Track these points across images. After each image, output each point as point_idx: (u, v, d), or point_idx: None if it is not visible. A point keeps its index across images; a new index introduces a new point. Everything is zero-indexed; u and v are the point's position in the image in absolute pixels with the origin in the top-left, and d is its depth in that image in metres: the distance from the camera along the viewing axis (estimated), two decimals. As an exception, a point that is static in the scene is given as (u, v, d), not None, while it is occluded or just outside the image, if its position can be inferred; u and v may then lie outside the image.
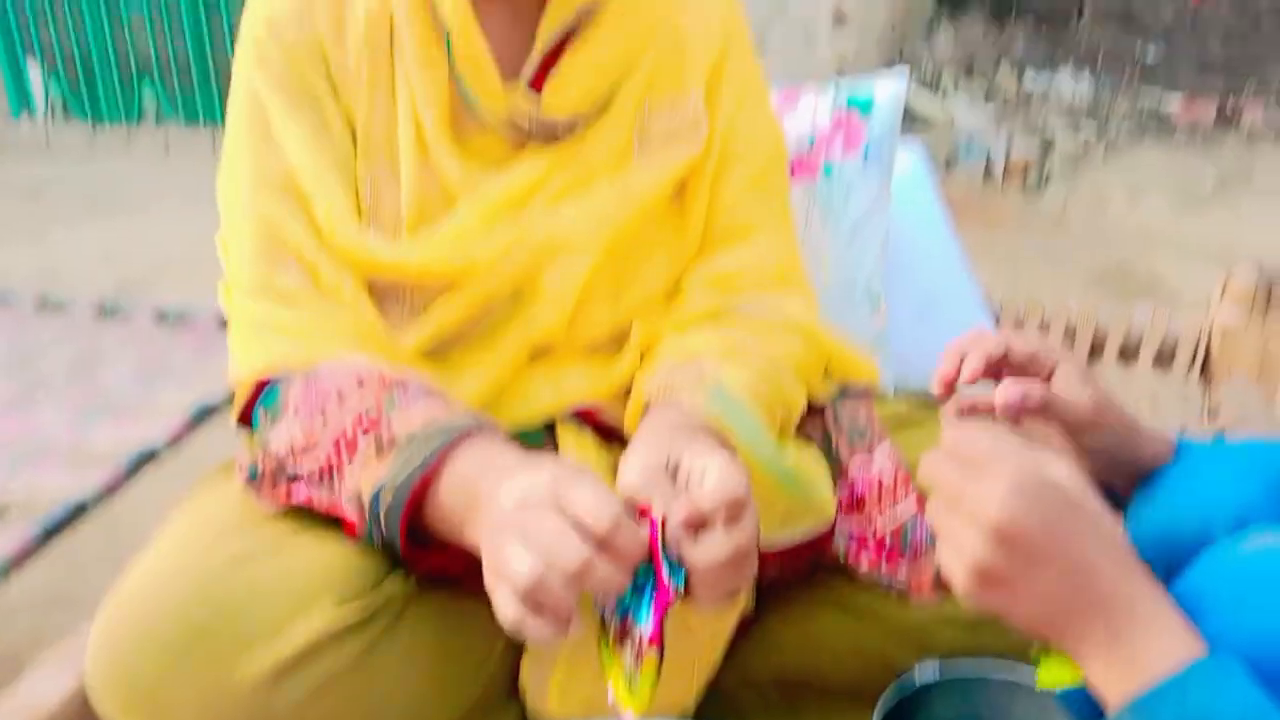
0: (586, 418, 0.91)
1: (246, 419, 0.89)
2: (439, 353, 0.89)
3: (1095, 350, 1.58)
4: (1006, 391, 0.73)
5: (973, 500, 0.56)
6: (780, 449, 0.78)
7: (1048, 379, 0.77)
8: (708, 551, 0.62)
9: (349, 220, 0.85)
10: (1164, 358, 1.54)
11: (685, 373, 0.84)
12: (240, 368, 0.87)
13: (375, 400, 0.75)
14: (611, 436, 0.91)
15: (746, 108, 0.94)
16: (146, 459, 1.18)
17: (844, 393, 0.99)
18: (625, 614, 0.64)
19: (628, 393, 0.90)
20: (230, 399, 1.34)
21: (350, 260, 0.85)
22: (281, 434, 0.80)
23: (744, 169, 0.94)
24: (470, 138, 0.87)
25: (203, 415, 1.30)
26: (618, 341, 0.93)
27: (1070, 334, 1.61)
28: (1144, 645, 0.54)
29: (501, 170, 0.87)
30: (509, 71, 0.87)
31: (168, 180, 4.80)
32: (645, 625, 0.63)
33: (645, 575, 0.63)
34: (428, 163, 0.86)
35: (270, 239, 0.86)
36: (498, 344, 0.89)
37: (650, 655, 0.63)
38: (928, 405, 0.99)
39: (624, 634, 0.65)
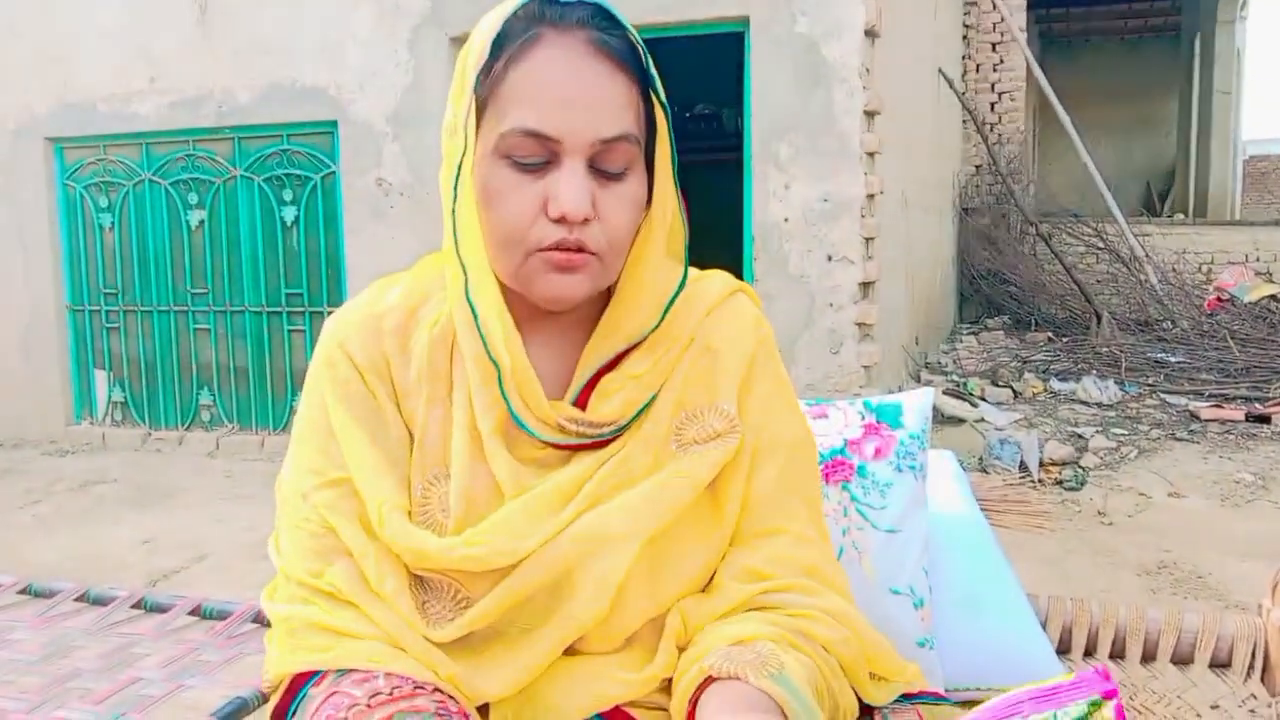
0: (620, 717, 0.90)
1: (282, 718, 0.89)
2: (471, 644, 0.89)
3: (1147, 655, 1.52)
4: None
5: None
6: None
7: None
8: None
9: (400, 516, 0.89)
10: (1219, 660, 1.48)
11: (745, 653, 0.84)
12: (278, 667, 0.89)
13: None
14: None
15: (773, 407, 0.99)
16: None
17: (903, 698, 0.97)
18: None
19: (663, 688, 0.90)
20: (261, 699, 1.31)
21: (400, 553, 0.89)
22: None
23: (773, 466, 0.97)
24: (522, 445, 0.93)
25: (232, 714, 1.27)
26: (653, 634, 0.93)
27: (1120, 639, 1.56)
28: None
29: (548, 474, 0.92)
30: (555, 390, 0.94)
31: (213, 480, 4.94)
32: None
33: None
34: (480, 464, 0.91)
35: (323, 536, 0.91)
36: (533, 638, 0.89)
37: None
38: (967, 708, 0.96)
39: None
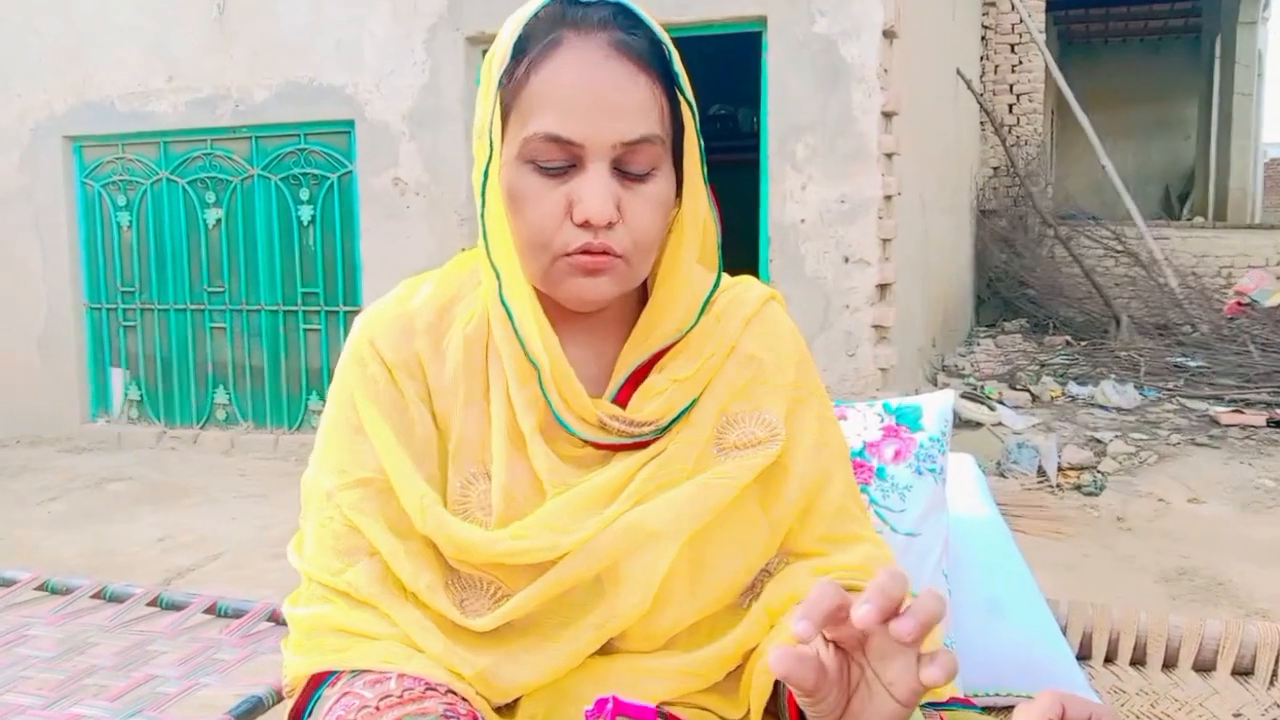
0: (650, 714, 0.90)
1: (298, 717, 0.90)
2: (506, 635, 0.89)
3: (1169, 662, 1.50)
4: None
5: None
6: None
7: None
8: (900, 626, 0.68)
9: (440, 508, 0.89)
10: (1242, 668, 1.46)
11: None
12: (295, 669, 0.89)
13: None
14: None
15: (826, 418, 1.01)
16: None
17: (928, 704, 0.96)
18: None
19: (710, 688, 0.91)
20: (277, 697, 1.31)
21: (442, 544, 0.89)
22: None
23: (840, 478, 0.99)
24: (562, 444, 0.93)
25: (247, 712, 1.26)
26: (692, 639, 0.94)
27: (1141, 645, 1.54)
28: None
29: (589, 473, 0.92)
30: (593, 390, 0.94)
31: (228, 478, 4.95)
32: None
33: None
34: (522, 459, 0.91)
35: (348, 534, 0.91)
36: (571, 631, 0.90)
37: None
38: (990, 715, 0.97)
39: None
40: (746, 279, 1.04)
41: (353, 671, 0.85)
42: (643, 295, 0.97)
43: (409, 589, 0.89)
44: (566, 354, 0.91)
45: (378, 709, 0.80)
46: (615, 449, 0.93)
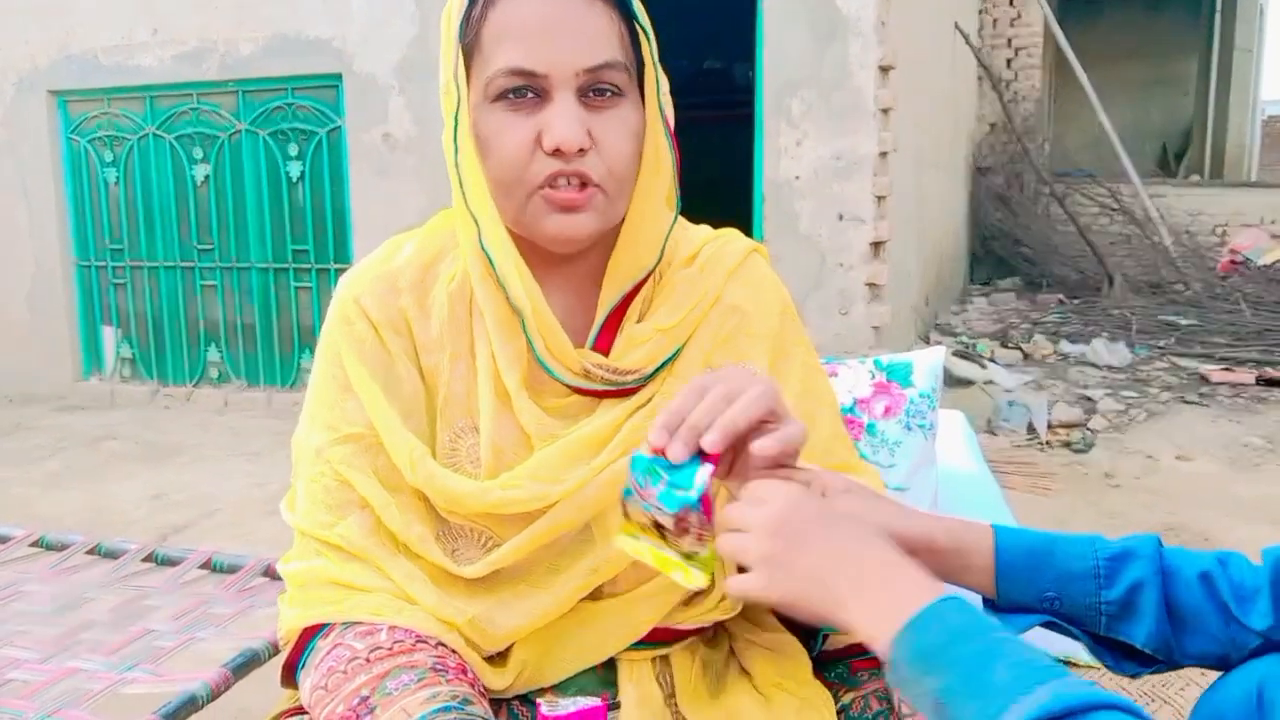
0: (660, 635, 0.95)
1: (292, 672, 0.91)
2: (496, 582, 0.91)
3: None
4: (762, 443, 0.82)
5: (755, 517, 0.78)
6: None
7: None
8: (762, 444, 0.80)
9: (430, 461, 0.91)
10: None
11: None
12: (289, 622, 0.90)
13: (372, 684, 0.80)
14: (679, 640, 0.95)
15: (810, 367, 1.03)
16: (186, 708, 1.15)
17: None
18: (680, 507, 0.78)
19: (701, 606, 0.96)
20: (273, 650, 1.32)
21: (433, 495, 0.90)
22: (307, 686, 0.86)
23: (826, 424, 1.01)
24: (547, 396, 0.94)
25: (243, 665, 1.27)
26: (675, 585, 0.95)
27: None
28: (898, 592, 0.72)
29: (575, 424, 0.94)
30: (577, 339, 0.95)
31: (222, 436, 4.96)
32: (696, 495, 0.78)
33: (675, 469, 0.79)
34: (508, 414, 0.93)
35: (338, 489, 0.92)
36: (561, 577, 0.91)
37: (709, 530, 0.79)
38: None
39: (681, 529, 0.79)
40: (730, 231, 1.05)
41: (344, 624, 0.86)
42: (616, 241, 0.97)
43: (400, 540, 0.90)
44: (548, 304, 0.92)
45: (368, 660, 0.82)
46: (600, 395, 0.94)
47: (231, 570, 1.63)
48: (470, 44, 0.87)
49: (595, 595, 0.94)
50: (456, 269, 0.96)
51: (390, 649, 0.83)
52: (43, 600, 1.55)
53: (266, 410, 5.44)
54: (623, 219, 0.93)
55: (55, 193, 5.83)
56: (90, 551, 1.73)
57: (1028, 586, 0.87)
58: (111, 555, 1.71)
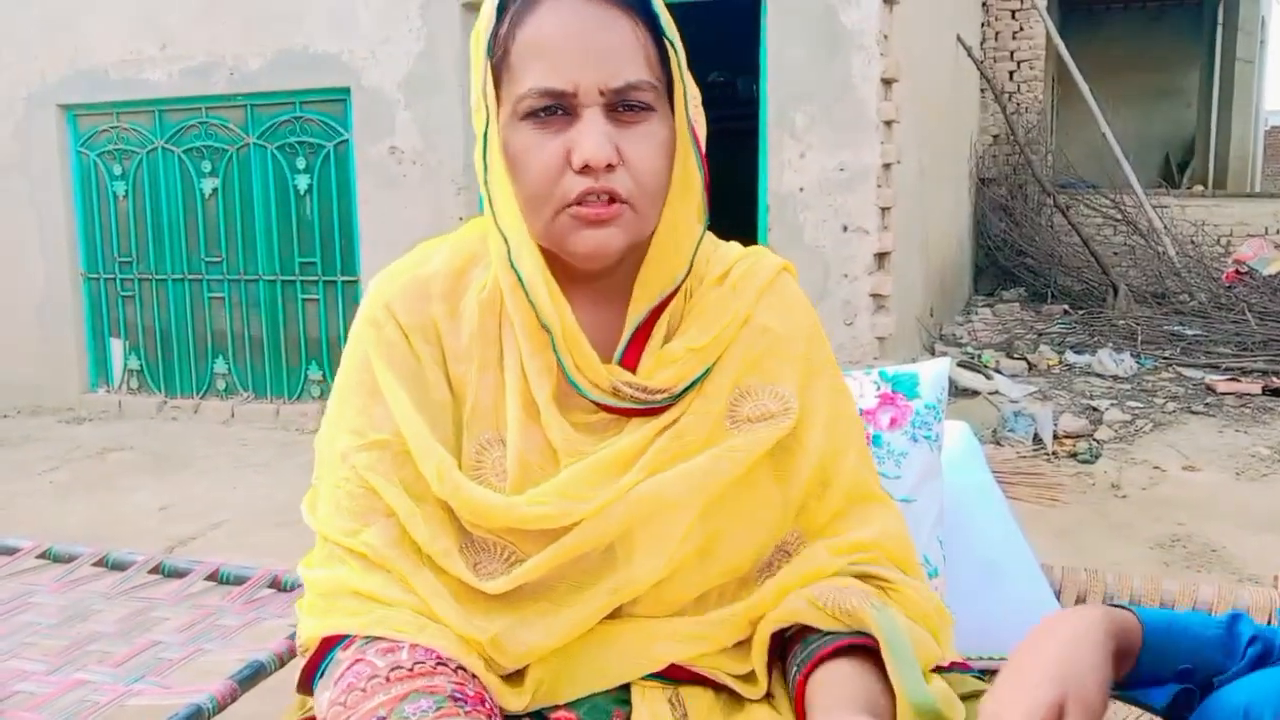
0: (674, 673, 0.92)
1: (309, 681, 0.90)
2: (518, 598, 0.90)
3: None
4: None
5: None
6: (924, 680, 0.84)
7: None
8: None
9: (457, 473, 0.90)
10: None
11: (851, 587, 0.90)
12: (309, 630, 0.89)
13: (389, 706, 0.79)
14: (698, 685, 0.93)
15: (838, 390, 1.02)
16: (191, 721, 1.16)
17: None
18: None
19: (723, 650, 0.93)
20: (279, 663, 1.32)
21: (459, 507, 0.89)
22: (325, 699, 0.84)
23: (851, 452, 1.00)
24: (575, 411, 0.94)
25: (250, 677, 1.28)
26: (699, 607, 0.95)
27: (1137, 609, 1.56)
28: None
29: (604, 440, 0.93)
30: (605, 354, 0.95)
31: (229, 447, 4.97)
32: None
33: None
34: (536, 428, 0.92)
35: (363, 496, 0.91)
36: (583, 596, 0.91)
37: None
38: (988, 682, 0.98)
39: None
40: (759, 249, 1.04)
41: (366, 638, 0.85)
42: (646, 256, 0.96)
43: (425, 551, 0.89)
44: (577, 319, 0.92)
45: (387, 679, 0.81)
46: (628, 414, 0.94)
47: (238, 582, 1.63)
48: (498, 62, 0.88)
49: (615, 614, 0.93)
50: (487, 278, 0.96)
51: (411, 670, 0.82)
52: (50, 612, 1.55)
53: (274, 422, 5.45)
54: (652, 233, 0.93)
55: (64, 206, 5.86)
56: (98, 563, 1.73)
57: (1169, 659, 0.88)
58: (119, 567, 1.71)
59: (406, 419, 0.91)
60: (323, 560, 0.91)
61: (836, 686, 0.85)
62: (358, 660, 0.84)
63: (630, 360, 0.95)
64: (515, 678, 0.91)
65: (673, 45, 0.90)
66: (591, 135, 0.85)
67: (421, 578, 0.88)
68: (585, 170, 0.85)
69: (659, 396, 0.93)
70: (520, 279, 0.90)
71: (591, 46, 0.85)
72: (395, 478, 0.90)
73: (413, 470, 0.90)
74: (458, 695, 0.81)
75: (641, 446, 0.92)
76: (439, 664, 0.84)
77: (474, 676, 0.85)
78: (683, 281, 0.95)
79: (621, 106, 0.87)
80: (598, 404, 0.93)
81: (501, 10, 0.87)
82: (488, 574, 0.90)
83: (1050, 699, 0.75)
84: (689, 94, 0.92)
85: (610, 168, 0.86)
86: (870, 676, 0.86)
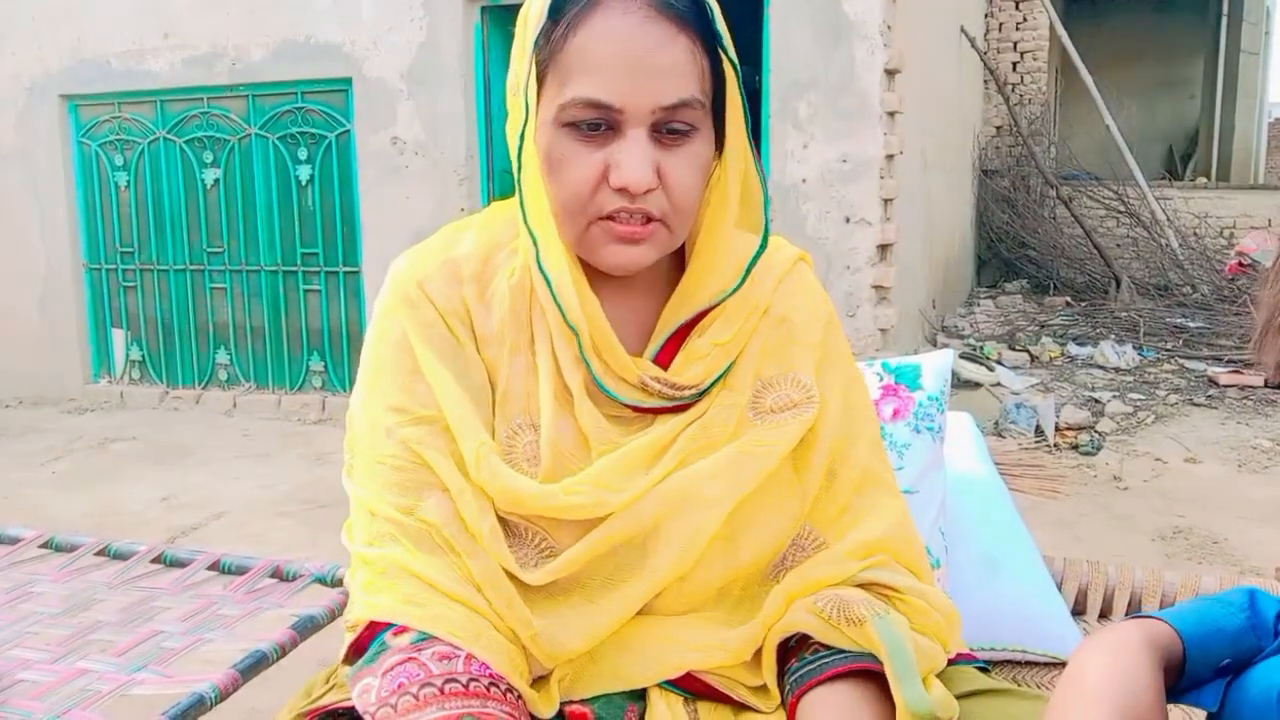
0: (690, 683, 0.92)
1: (353, 655, 0.88)
2: (552, 593, 0.90)
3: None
4: None
5: None
6: (925, 688, 0.84)
7: None
8: None
9: (495, 458, 0.89)
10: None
11: (855, 595, 0.89)
12: (366, 609, 0.87)
13: None
14: (713, 699, 0.92)
15: (853, 380, 1.02)
16: (195, 709, 1.16)
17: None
18: None
19: (741, 661, 0.93)
20: (280, 652, 1.32)
21: (495, 494, 0.89)
22: (373, 692, 0.82)
23: (865, 442, 0.99)
24: (604, 403, 0.94)
25: (252, 666, 1.28)
26: (719, 601, 0.95)
27: (1136, 601, 1.56)
28: None
29: (633, 431, 0.93)
30: (632, 346, 0.95)
31: (231, 438, 4.97)
32: None
33: None
34: (568, 415, 0.92)
35: (414, 469, 0.90)
36: (615, 594, 0.90)
37: None
38: (990, 675, 0.98)
39: None
40: (776, 240, 1.04)
41: (420, 633, 0.84)
42: (679, 253, 0.97)
43: (472, 530, 0.88)
44: (605, 312, 0.91)
45: (442, 691, 0.80)
46: (655, 413, 0.94)
47: (240, 572, 1.63)
48: (546, 61, 0.86)
49: (640, 610, 0.92)
50: (517, 262, 0.95)
51: (466, 687, 0.80)
52: (52, 601, 1.56)
53: (275, 412, 5.46)
54: (692, 240, 0.93)
55: (66, 196, 5.86)
56: (99, 553, 1.73)
57: (1211, 659, 0.87)
58: (120, 557, 1.72)
59: (449, 399, 0.90)
60: (373, 538, 0.89)
61: (831, 710, 0.84)
62: (410, 659, 0.82)
63: (664, 359, 0.95)
64: (541, 681, 0.90)
65: (732, 64, 0.89)
66: (634, 157, 0.84)
67: (479, 561, 0.87)
68: (623, 190, 0.85)
69: (687, 393, 0.93)
70: (548, 281, 0.90)
71: (648, 65, 0.84)
72: (448, 452, 0.89)
73: (457, 449, 0.89)
74: None
75: (670, 438, 0.92)
76: (492, 684, 0.82)
77: (520, 698, 0.84)
78: (733, 293, 0.95)
79: (666, 129, 0.86)
80: (624, 404, 0.93)
81: (555, 11, 0.85)
82: (525, 562, 0.89)
83: None
84: (747, 111, 0.91)
85: (648, 191, 0.85)
86: (862, 698, 0.85)
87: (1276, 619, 0.87)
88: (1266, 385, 5.27)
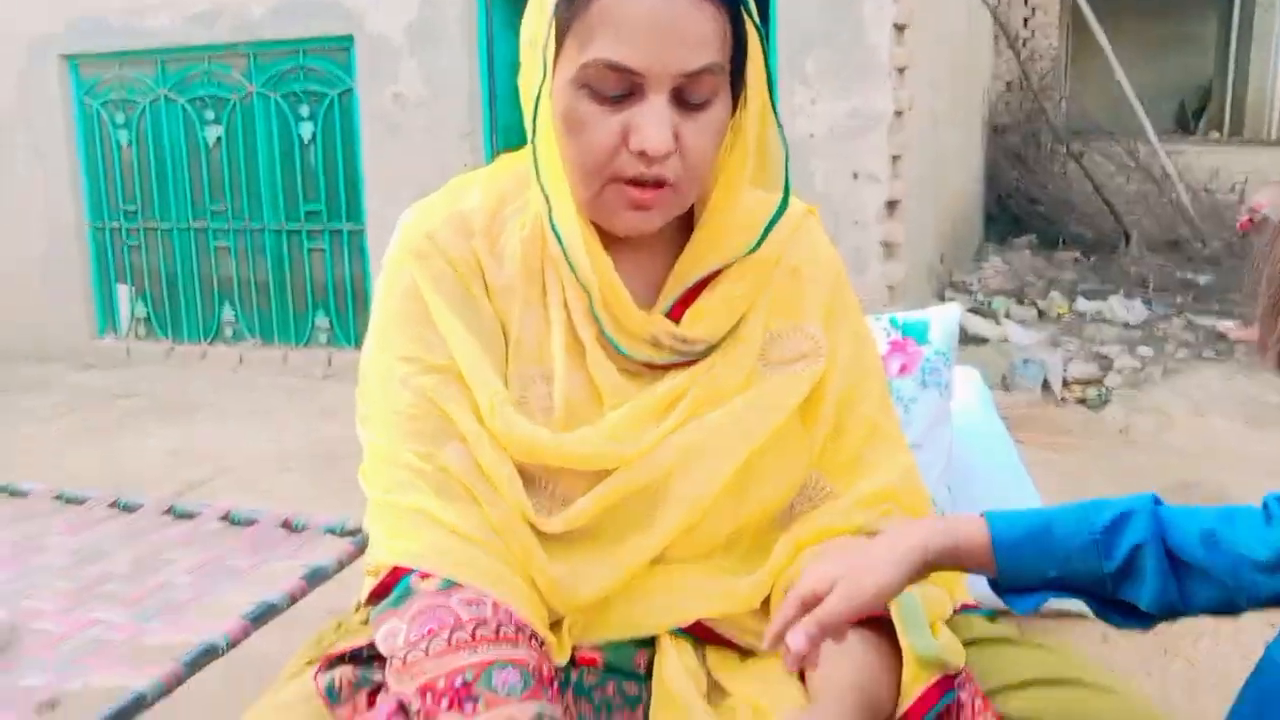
0: (699, 631, 0.93)
1: (375, 600, 0.89)
2: (567, 542, 0.90)
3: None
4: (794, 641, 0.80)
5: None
6: (931, 633, 0.86)
7: None
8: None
9: (509, 408, 0.90)
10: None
11: (856, 543, 0.90)
12: (389, 554, 0.87)
13: (476, 671, 0.77)
14: (721, 645, 0.93)
15: (861, 335, 1.03)
16: (206, 657, 1.17)
17: None
18: None
19: (749, 611, 0.94)
20: (290, 602, 1.33)
21: (509, 443, 0.89)
22: (393, 631, 0.82)
23: (873, 396, 1.00)
24: (616, 356, 0.94)
25: (261, 616, 1.29)
26: (729, 549, 0.96)
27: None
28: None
29: (644, 384, 0.94)
30: (642, 301, 0.95)
31: (237, 394, 4.99)
32: None
33: None
34: (581, 367, 0.93)
35: (432, 418, 0.90)
36: (627, 544, 0.91)
37: None
38: (995, 622, 1.00)
39: None
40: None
41: (446, 580, 0.84)
42: (689, 211, 0.97)
43: (490, 477, 0.88)
44: (618, 268, 0.91)
45: (472, 638, 0.80)
46: (666, 369, 0.94)
47: (248, 524, 1.64)
48: (566, 20, 0.85)
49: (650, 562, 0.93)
50: (527, 216, 0.95)
51: (496, 633, 0.80)
52: (62, 554, 1.57)
53: (281, 368, 5.47)
54: (705, 199, 0.94)
55: (68, 156, 5.83)
56: (110, 506, 1.74)
57: (1030, 570, 0.88)
58: (130, 509, 1.73)
59: (462, 348, 0.90)
60: (392, 486, 0.89)
61: (838, 655, 0.85)
62: (438, 605, 0.82)
63: (674, 314, 0.95)
64: (554, 627, 0.90)
65: (757, 28, 0.89)
66: (656, 123, 0.84)
67: (498, 508, 0.87)
68: (642, 154, 0.85)
69: (698, 347, 0.94)
70: (560, 240, 0.89)
71: (671, 29, 0.83)
72: (465, 401, 0.89)
73: (471, 398, 0.90)
74: (538, 673, 0.80)
75: (681, 391, 0.93)
76: (518, 629, 0.82)
77: (543, 644, 0.85)
78: (749, 254, 0.95)
79: (686, 94, 0.86)
80: (636, 360, 0.93)
81: None
82: (541, 509, 0.89)
83: (824, 572, 0.83)
84: (771, 74, 0.92)
85: (666, 155, 0.85)
86: (870, 646, 0.86)
87: (1135, 549, 0.88)
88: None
